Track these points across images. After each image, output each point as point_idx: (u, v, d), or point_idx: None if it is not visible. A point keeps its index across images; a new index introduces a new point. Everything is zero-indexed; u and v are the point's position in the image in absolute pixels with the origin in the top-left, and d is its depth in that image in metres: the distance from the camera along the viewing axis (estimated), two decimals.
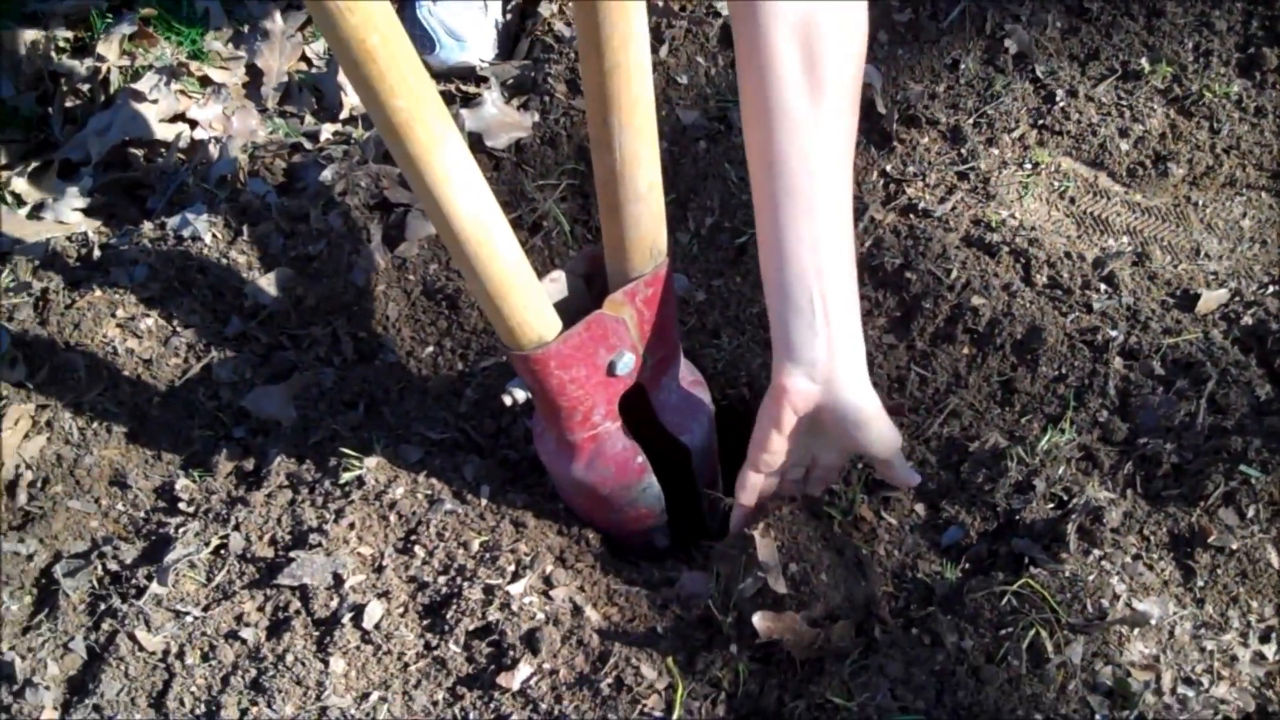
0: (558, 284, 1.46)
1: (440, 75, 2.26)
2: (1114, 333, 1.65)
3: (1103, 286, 1.74)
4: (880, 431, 1.37)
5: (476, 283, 1.31)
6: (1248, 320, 1.68)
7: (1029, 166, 1.94)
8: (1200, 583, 1.43)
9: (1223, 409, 1.57)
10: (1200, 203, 1.92)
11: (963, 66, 2.06)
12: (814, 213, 1.25)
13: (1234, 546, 1.43)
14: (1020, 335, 1.67)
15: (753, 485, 1.47)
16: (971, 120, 1.99)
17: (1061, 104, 1.99)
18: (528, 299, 1.34)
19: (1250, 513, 1.46)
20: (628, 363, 1.45)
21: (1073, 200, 1.92)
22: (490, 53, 2.27)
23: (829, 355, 1.30)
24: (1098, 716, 1.29)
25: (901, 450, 1.45)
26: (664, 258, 1.42)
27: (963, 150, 1.96)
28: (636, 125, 1.28)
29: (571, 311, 1.40)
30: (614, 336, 1.43)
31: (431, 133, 1.18)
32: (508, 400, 1.48)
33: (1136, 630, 1.36)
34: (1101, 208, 1.90)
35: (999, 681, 1.32)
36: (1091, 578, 1.41)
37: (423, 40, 2.24)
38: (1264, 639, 1.38)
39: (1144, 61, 2.02)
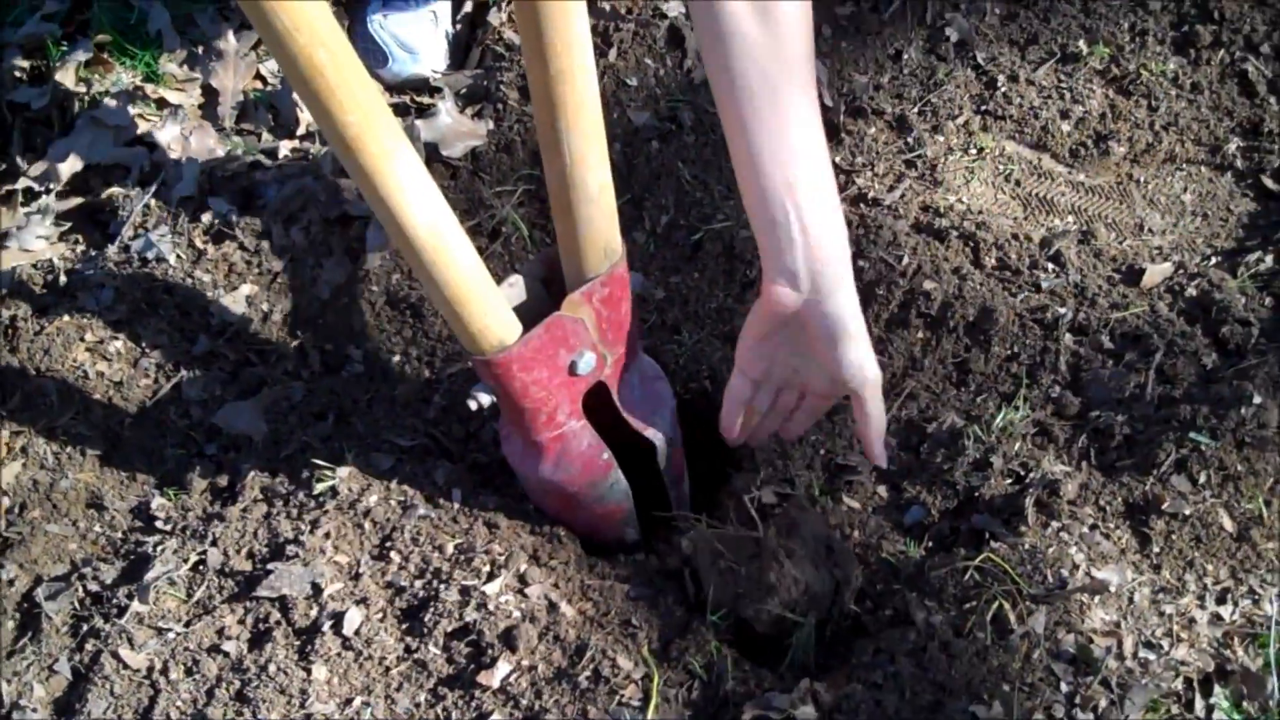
0: (516, 288, 1.48)
1: (394, 88, 2.28)
2: (1063, 310, 1.69)
3: (1050, 265, 1.77)
4: (858, 355, 1.36)
5: (435, 291, 1.33)
6: (1192, 291, 1.72)
7: (974, 152, 1.97)
8: (1156, 549, 1.46)
9: (1171, 379, 1.61)
10: (1142, 179, 1.96)
11: (905, 56, 2.09)
12: (781, 131, 1.27)
13: (1187, 512, 1.47)
14: (972, 317, 1.70)
15: (738, 393, 1.48)
16: (916, 109, 2.02)
17: (1003, 89, 2.03)
18: (487, 304, 1.36)
19: (1201, 479, 1.50)
20: (589, 362, 1.47)
21: (1018, 183, 1.95)
22: (442, 63, 2.28)
23: (808, 263, 1.29)
24: (1062, 683, 1.32)
25: (884, 406, 1.45)
26: (619, 256, 1.45)
27: (909, 139, 1.99)
28: (584, 128, 1.31)
29: (531, 315, 1.42)
30: (574, 337, 1.45)
31: (383, 145, 1.19)
32: (473, 405, 1.50)
33: (1096, 598, 1.39)
34: (1046, 189, 1.93)
35: (968, 655, 1.35)
36: (1051, 549, 1.44)
37: (375, 54, 2.25)
38: (1220, 600, 1.42)
39: (1082, 44, 2.06)
